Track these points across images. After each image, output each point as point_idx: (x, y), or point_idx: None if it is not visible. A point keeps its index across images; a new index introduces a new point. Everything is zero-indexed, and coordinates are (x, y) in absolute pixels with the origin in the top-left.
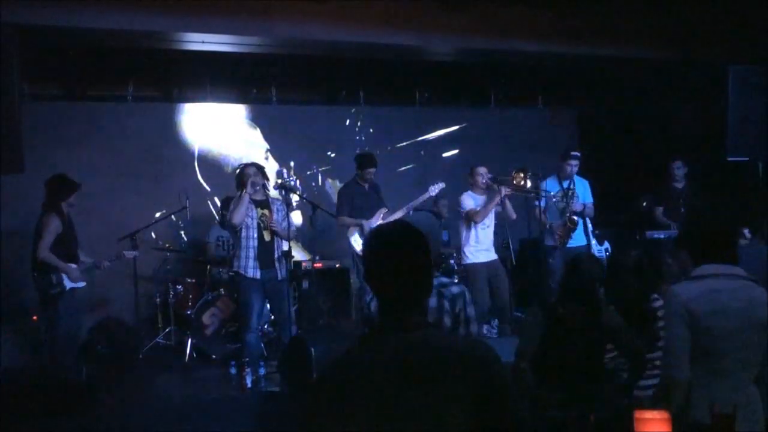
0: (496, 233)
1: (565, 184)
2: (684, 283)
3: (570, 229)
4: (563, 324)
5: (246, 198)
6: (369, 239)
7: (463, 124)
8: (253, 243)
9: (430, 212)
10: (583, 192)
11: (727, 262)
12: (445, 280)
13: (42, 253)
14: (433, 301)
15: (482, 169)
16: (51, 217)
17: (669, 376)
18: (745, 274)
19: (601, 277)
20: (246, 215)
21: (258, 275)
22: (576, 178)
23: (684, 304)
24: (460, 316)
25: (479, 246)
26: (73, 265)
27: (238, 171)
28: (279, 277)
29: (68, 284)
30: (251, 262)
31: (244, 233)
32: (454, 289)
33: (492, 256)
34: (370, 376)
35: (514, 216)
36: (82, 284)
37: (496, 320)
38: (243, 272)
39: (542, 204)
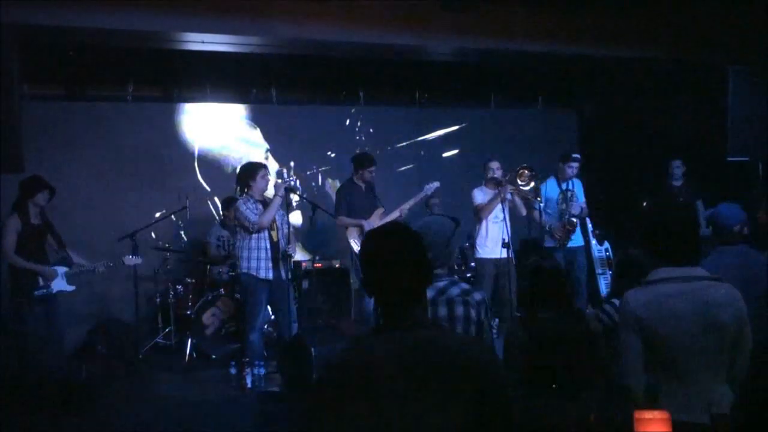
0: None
1: (564, 186)
2: (635, 290)
3: (569, 231)
4: (546, 329)
5: (278, 202)
6: (365, 241)
7: (463, 124)
8: (266, 244)
9: (449, 217)
10: (578, 193)
11: (684, 263)
12: (465, 286)
13: (7, 256)
14: (460, 310)
15: (494, 164)
16: (11, 217)
17: (621, 384)
18: (705, 274)
19: (564, 274)
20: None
21: (270, 275)
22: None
23: (633, 312)
24: (483, 324)
25: (489, 241)
26: (50, 269)
27: (245, 170)
28: (283, 277)
29: (55, 287)
30: (263, 263)
31: (256, 235)
32: (477, 296)
33: (503, 253)
34: (369, 375)
35: (524, 212)
36: (71, 288)
37: (497, 319)
38: (255, 273)
39: (541, 207)
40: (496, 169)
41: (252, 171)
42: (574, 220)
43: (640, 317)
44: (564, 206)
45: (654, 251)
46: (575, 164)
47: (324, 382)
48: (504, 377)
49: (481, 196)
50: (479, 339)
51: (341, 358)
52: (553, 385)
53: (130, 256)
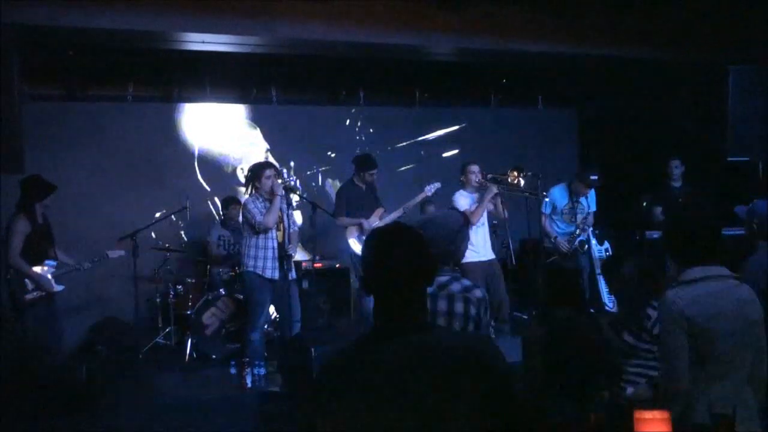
0: (494, 233)
1: (576, 198)
2: (678, 289)
3: (577, 251)
4: (564, 327)
5: (278, 201)
6: (366, 242)
7: (463, 124)
8: (273, 244)
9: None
10: (589, 200)
11: (712, 263)
12: (467, 283)
13: (12, 259)
14: (459, 307)
15: (475, 167)
16: (19, 220)
17: (669, 385)
18: (731, 273)
19: (581, 275)
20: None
21: (276, 276)
22: None
23: (681, 311)
24: (482, 321)
25: (474, 245)
26: (45, 272)
27: (251, 170)
28: (288, 277)
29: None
30: (269, 263)
31: (264, 234)
32: (478, 294)
33: (488, 255)
34: (370, 378)
35: (505, 215)
36: (60, 288)
37: (494, 321)
38: (260, 273)
39: (547, 210)
40: (477, 172)
41: (258, 171)
42: (584, 241)
43: (689, 316)
44: (570, 217)
45: (682, 252)
46: (591, 189)
47: (322, 383)
48: (511, 371)
49: (466, 201)
50: (481, 336)
51: (341, 360)
52: (567, 385)
53: (114, 250)
